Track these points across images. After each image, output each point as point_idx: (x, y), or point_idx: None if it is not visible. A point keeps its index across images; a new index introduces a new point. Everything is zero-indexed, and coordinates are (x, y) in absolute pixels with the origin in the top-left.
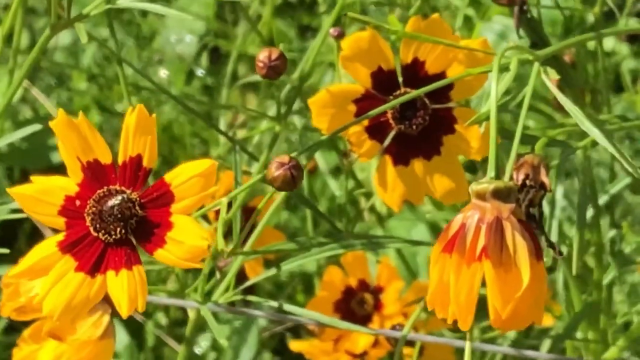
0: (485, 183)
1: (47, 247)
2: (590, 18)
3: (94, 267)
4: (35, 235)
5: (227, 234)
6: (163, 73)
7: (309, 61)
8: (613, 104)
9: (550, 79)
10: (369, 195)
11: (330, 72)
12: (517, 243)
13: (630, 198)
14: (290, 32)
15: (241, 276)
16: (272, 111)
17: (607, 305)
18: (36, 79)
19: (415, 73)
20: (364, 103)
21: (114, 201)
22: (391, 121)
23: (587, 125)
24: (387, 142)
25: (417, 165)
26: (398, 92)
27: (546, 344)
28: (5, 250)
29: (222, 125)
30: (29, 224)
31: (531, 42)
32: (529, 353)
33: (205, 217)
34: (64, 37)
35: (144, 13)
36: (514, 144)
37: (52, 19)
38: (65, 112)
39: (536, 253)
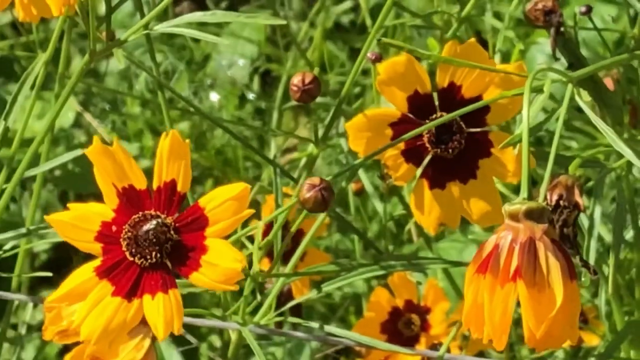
0: (518, 204)
1: (84, 273)
2: None
3: (131, 292)
4: (89, 258)
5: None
6: (214, 97)
7: (347, 85)
8: None
9: (584, 99)
10: None
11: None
12: (550, 263)
13: None
14: (342, 56)
15: (288, 298)
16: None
17: None
18: (90, 104)
19: (451, 97)
20: (400, 127)
21: (149, 226)
22: (427, 145)
23: (620, 145)
24: (423, 165)
25: (454, 188)
26: (434, 116)
27: None
28: (48, 274)
29: (273, 148)
30: None
31: (568, 63)
32: None
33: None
34: (114, 62)
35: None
36: (548, 165)
37: (91, 45)
38: (119, 137)
39: (569, 273)
